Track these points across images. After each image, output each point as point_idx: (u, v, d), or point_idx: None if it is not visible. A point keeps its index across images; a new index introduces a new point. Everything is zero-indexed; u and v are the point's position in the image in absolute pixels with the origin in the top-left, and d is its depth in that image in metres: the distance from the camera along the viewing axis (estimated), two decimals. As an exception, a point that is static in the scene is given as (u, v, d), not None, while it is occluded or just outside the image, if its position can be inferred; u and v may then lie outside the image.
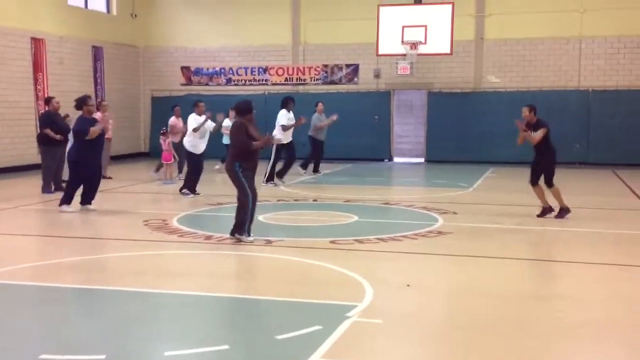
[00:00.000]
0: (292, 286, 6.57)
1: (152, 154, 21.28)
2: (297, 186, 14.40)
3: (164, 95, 22.62)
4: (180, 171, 15.02)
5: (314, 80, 21.87)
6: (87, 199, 10.95)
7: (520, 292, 6.38)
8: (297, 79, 22.04)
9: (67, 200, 10.82)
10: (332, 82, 21.68)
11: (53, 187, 12.93)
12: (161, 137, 15.10)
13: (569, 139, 18.94)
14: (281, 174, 14.74)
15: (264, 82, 22.21)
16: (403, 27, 18.55)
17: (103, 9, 21.88)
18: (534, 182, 10.37)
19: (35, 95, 18.37)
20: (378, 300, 5.90)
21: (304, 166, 16.61)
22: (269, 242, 8.45)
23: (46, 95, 14.98)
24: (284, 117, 14.56)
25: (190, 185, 12.56)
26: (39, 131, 13.02)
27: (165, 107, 21.96)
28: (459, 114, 20.57)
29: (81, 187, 10.93)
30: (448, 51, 18.67)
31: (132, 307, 5.94)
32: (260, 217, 10.31)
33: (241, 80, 22.45)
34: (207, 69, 22.65)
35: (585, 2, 19.58)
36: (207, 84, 22.63)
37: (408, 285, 6.43)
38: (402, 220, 10.43)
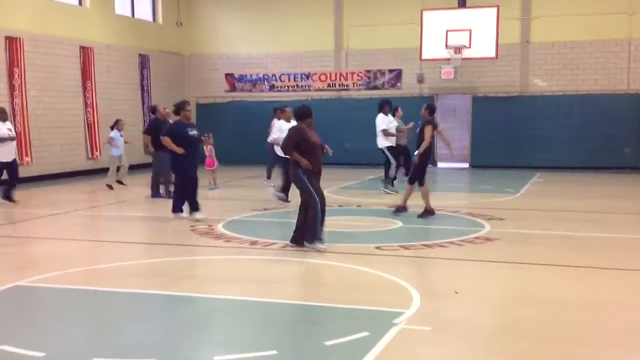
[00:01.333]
0: (339, 292, 6.55)
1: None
2: (341, 192, 14.38)
3: (209, 102, 22.91)
4: (269, 176, 14.99)
5: (357, 86, 21.85)
6: (191, 207, 10.79)
7: (568, 299, 6.24)
8: (339, 84, 22.07)
9: (176, 209, 10.71)
10: (375, 88, 21.63)
11: (163, 192, 13.21)
12: (203, 143, 15.05)
13: (618, 143, 18.51)
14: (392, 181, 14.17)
15: (306, 88, 22.29)
16: (447, 31, 18.40)
17: (149, 17, 22.28)
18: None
19: (84, 102, 18.79)
20: (425, 307, 5.84)
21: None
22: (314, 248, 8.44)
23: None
24: (383, 121, 14.01)
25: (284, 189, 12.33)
26: (145, 138, 13.40)
27: (209, 114, 22.30)
28: (505, 118, 20.31)
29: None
30: (493, 55, 18.46)
31: (181, 311, 6.00)
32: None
33: (284, 86, 22.58)
34: (251, 75, 22.85)
35: (635, 4, 19.14)
36: (250, 91, 22.82)
37: (456, 292, 6.35)
38: (448, 226, 10.32)
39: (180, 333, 5.36)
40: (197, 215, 10.67)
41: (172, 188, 12.07)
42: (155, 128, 12.85)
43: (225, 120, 22.22)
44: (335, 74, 22.05)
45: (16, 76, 16.43)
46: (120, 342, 5.13)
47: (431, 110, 11.03)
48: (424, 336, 5.18)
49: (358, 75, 21.82)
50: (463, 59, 18.60)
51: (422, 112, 11.10)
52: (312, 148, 8.39)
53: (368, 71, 21.72)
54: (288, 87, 22.52)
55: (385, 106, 14.17)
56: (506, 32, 19.01)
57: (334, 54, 22.02)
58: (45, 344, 4.96)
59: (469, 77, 20.32)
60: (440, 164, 21.43)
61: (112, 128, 15.51)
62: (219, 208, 12.30)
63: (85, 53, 18.71)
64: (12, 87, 16.40)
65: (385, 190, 13.98)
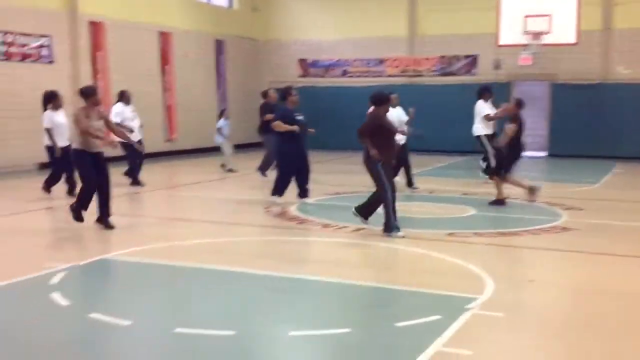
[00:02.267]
0: (411, 276, 6.59)
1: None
2: (413, 178, 14.29)
3: (282, 87, 23.13)
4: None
5: (430, 72, 21.63)
6: (301, 192, 10.86)
7: (651, 292, 6.08)
8: (413, 70, 21.89)
9: (277, 192, 10.72)
10: (449, 74, 21.36)
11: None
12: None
13: None
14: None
15: (379, 73, 22.22)
16: (526, 16, 17.97)
17: (225, 3, 22.66)
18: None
19: (163, 86, 19.34)
20: (499, 294, 5.81)
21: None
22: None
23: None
24: (485, 107, 13.35)
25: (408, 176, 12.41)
26: (260, 121, 13.74)
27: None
28: (585, 106, 19.69)
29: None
30: (573, 41, 17.92)
31: (257, 288, 6.18)
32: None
33: (357, 72, 22.57)
34: (324, 61, 22.94)
35: None
36: (322, 76, 22.92)
37: (530, 281, 6.29)
38: (524, 215, 10.15)
39: (256, 308, 5.53)
40: (308, 201, 10.73)
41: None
42: (267, 112, 13.17)
43: (298, 105, 22.39)
44: (409, 60, 21.89)
45: (99, 60, 17.06)
46: (199, 314, 5.34)
47: (520, 105, 10.77)
48: (496, 322, 5.17)
49: (432, 61, 21.59)
50: (542, 44, 18.14)
51: (509, 106, 11.02)
52: (388, 136, 8.36)
53: (442, 57, 21.46)
54: (361, 73, 22.50)
55: (485, 93, 13.55)
56: (587, 18, 18.40)
57: (408, 39, 21.84)
58: (130, 313, 5.22)
59: (547, 64, 19.77)
60: (515, 153, 20.97)
61: (219, 117, 15.73)
62: (293, 191, 12.47)
63: (164, 38, 19.23)
64: (95, 71, 17.04)
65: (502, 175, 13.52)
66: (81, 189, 8.66)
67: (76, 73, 16.51)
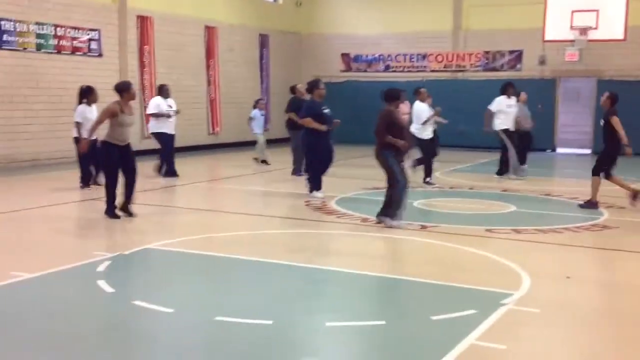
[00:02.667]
0: (447, 270, 6.64)
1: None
2: (453, 174, 14.31)
3: (325, 81, 23.14)
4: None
5: (474, 67, 21.47)
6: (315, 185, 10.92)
7: (692, 293, 6.02)
8: (456, 65, 21.76)
9: (314, 188, 10.86)
10: (493, 69, 21.17)
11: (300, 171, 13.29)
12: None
13: None
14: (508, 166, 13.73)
15: (422, 68, 22.14)
16: (572, 11, 17.71)
17: (270, -2, 22.88)
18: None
19: (207, 80, 19.64)
20: (535, 290, 5.83)
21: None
22: (424, 227, 8.55)
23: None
24: (497, 103, 13.51)
25: (427, 170, 12.53)
26: (287, 116, 13.69)
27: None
28: (632, 103, 19.23)
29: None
30: (621, 37, 17.59)
31: (295, 279, 6.32)
32: (414, 202, 10.45)
33: (399, 66, 22.54)
34: (367, 55, 22.96)
35: None
36: (365, 71, 22.95)
37: (568, 277, 6.28)
38: (564, 212, 10.07)
39: (294, 299, 5.67)
40: (317, 194, 10.86)
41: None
42: (295, 107, 13.16)
43: (340, 100, 22.46)
44: (452, 55, 21.76)
45: (146, 53, 17.44)
46: (238, 304, 5.49)
47: (614, 99, 10.36)
48: (531, 318, 5.19)
49: (476, 56, 21.43)
50: (588, 40, 17.85)
51: (603, 100, 10.49)
52: (401, 131, 8.55)
53: (487, 52, 21.28)
54: (403, 68, 22.46)
55: (509, 88, 13.66)
56: (636, 13, 18.00)
57: (452, 34, 21.71)
58: (172, 301, 5.41)
59: (594, 60, 19.44)
60: (560, 149, 20.73)
61: (253, 107, 15.87)
62: (332, 185, 12.59)
63: (210, 32, 19.53)
64: (142, 64, 17.42)
65: (510, 176, 13.53)
66: (105, 185, 8.96)
67: (123, 66, 16.90)
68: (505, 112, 13.48)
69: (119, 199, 8.99)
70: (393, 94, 8.68)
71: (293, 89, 14.14)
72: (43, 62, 14.90)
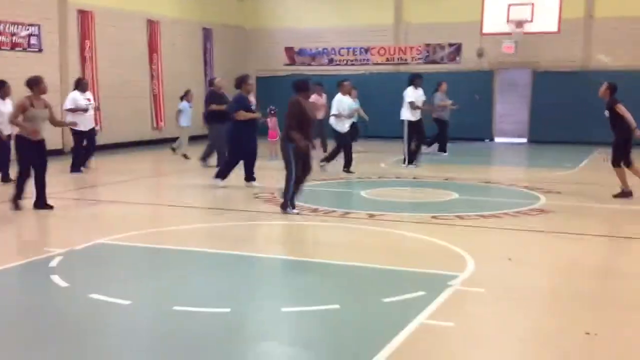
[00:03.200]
0: (395, 256, 6.90)
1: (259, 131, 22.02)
2: (397, 164, 14.64)
3: (269, 75, 23.31)
4: (324, 149, 15.40)
5: (415, 60, 21.92)
6: (248, 176, 11.30)
7: (623, 269, 6.44)
8: (398, 58, 22.16)
9: (221, 175, 11.20)
10: (434, 62, 21.66)
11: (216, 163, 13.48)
12: (269, 116, 15.31)
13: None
14: (414, 155, 14.28)
15: (365, 62, 22.47)
16: (509, 5, 18.28)
17: (212, -9, 22.78)
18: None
19: (150, 74, 19.48)
20: (480, 272, 6.14)
21: (429, 144, 16.50)
22: (371, 215, 8.80)
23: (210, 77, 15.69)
24: (412, 94, 14.09)
25: (346, 160, 13.01)
26: (204, 109, 13.83)
27: (269, 87, 22.71)
28: (566, 93, 20.06)
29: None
30: (555, 29, 18.27)
31: (248, 269, 6.47)
32: (362, 192, 10.73)
33: (343, 60, 22.81)
34: (310, 49, 23.14)
35: None
36: (309, 64, 23.13)
37: (509, 259, 6.62)
38: (503, 198, 10.51)
39: (248, 288, 5.83)
40: (254, 184, 11.18)
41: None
42: (213, 100, 13.43)
43: (285, 93, 22.54)
44: (394, 48, 22.15)
45: (87, 48, 17.18)
46: (195, 294, 5.62)
47: (613, 89, 10.27)
48: (478, 297, 5.49)
49: (417, 49, 21.87)
50: (524, 33, 18.47)
51: (602, 91, 10.35)
52: (308, 123, 8.87)
53: (427, 45, 21.74)
54: (347, 61, 22.73)
55: (416, 80, 14.40)
56: (569, 7, 18.71)
57: (394, 28, 22.09)
58: (129, 294, 5.48)
59: (529, 52, 20.12)
60: (498, 139, 21.39)
61: (181, 99, 15.98)
62: (280, 177, 12.73)
63: (152, 26, 19.35)
64: (83, 59, 17.15)
65: (415, 164, 14.15)
66: (16, 178, 9.18)
67: (64, 62, 16.62)
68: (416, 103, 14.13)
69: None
70: (302, 85, 9.02)
71: (211, 83, 14.44)
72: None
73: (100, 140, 17.05)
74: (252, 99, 14.31)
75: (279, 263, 6.69)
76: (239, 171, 11.33)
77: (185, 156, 15.46)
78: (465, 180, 12.19)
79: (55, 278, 5.89)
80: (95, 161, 13.80)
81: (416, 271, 6.21)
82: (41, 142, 9.13)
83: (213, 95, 13.62)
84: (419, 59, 21.86)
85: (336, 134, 13.15)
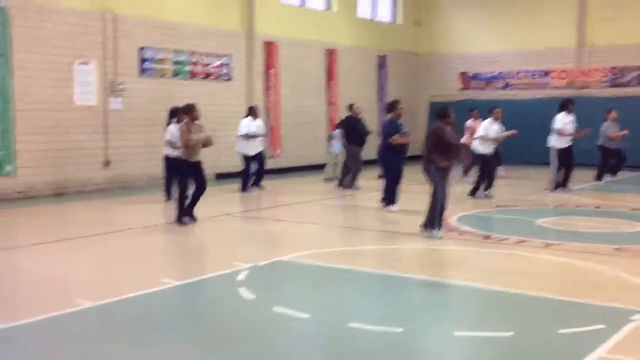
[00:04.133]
0: (573, 287, 6.69)
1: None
2: (579, 193, 14.01)
3: (442, 100, 23.29)
4: (466, 173, 15.55)
5: (600, 84, 20.85)
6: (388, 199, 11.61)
7: None
8: (580, 82, 21.20)
9: (391, 201, 11.54)
10: (620, 85, 20.46)
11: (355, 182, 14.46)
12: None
13: None
14: (562, 183, 14.00)
15: (543, 86, 21.75)
16: None
17: (388, 19, 23.30)
18: None
19: (327, 100, 20.29)
20: (666, 309, 5.78)
21: (599, 177, 15.92)
22: (548, 244, 8.55)
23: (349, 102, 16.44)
24: (560, 120, 13.80)
25: (485, 186, 13.02)
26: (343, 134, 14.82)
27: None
28: None
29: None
30: None
31: (419, 291, 6.62)
32: (538, 220, 10.44)
33: (520, 84, 22.24)
34: (485, 73, 22.84)
35: None
36: (483, 89, 22.82)
37: (701, 297, 6.16)
38: (698, 232, 9.71)
39: (422, 309, 5.96)
40: (393, 207, 11.43)
41: (359, 181, 14.18)
42: (347, 124, 14.47)
43: (457, 118, 22.44)
44: (576, 72, 21.23)
45: (271, 76, 18.31)
46: (370, 312, 5.85)
47: None
48: (663, 335, 5.19)
49: (602, 72, 20.81)
50: None
51: None
52: (449, 147, 9.02)
53: (613, 68, 20.61)
54: (524, 85, 22.15)
55: (569, 105, 13.90)
56: None
57: (575, 50, 21.19)
58: (309, 308, 5.83)
59: None
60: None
61: (338, 125, 16.44)
62: (454, 203, 12.72)
63: (330, 54, 20.19)
64: (267, 87, 18.30)
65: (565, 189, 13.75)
66: (179, 195, 10.17)
67: (250, 89, 17.84)
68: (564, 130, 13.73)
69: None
70: (442, 112, 9.25)
71: (350, 108, 15.14)
72: (178, 87, 15.99)
73: (278, 163, 18.08)
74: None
75: (450, 288, 6.74)
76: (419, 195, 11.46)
77: (328, 180, 15.98)
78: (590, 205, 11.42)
79: (242, 290, 6.39)
80: (269, 183, 14.64)
81: (596, 304, 5.98)
82: (198, 163, 10.14)
83: (349, 120, 14.67)
84: (604, 82, 20.76)
85: (480, 157, 13.13)
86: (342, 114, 20.26)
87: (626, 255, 8.00)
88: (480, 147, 13.16)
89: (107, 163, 14.61)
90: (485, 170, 13.04)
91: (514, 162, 18.14)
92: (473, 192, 12.96)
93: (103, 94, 14.49)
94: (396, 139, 11.34)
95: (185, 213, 10.09)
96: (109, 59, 14.58)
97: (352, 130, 14.63)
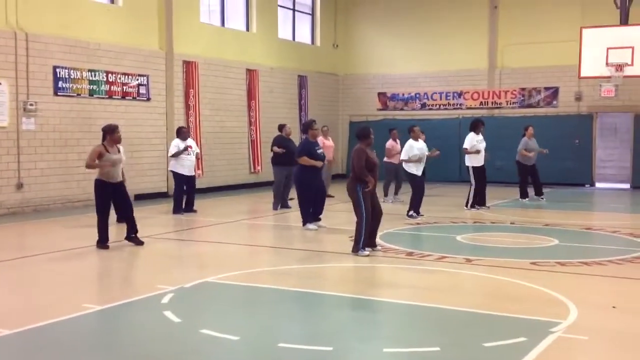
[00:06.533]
0: (495, 301, 6.89)
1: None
2: (494, 209, 14.51)
3: (361, 120, 23.67)
4: (396, 192, 15.81)
5: (510, 104, 21.76)
6: (315, 215, 11.77)
7: None
8: (492, 102, 22.07)
9: (307, 219, 11.61)
10: (529, 106, 21.43)
11: (279, 205, 14.46)
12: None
13: None
14: (476, 200, 14.44)
15: (458, 106, 22.50)
16: (608, 48, 17.91)
17: (308, 40, 23.56)
18: None
19: (249, 121, 20.25)
20: (583, 319, 6.04)
21: (523, 195, 16.40)
22: (468, 260, 8.80)
23: (280, 123, 16.37)
24: (469, 140, 14.35)
25: (415, 206, 13.10)
26: (271, 152, 14.78)
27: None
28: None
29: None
30: (657, 72, 17.69)
31: (346, 309, 6.65)
32: (457, 237, 10.73)
33: (435, 104, 22.93)
34: (403, 94, 23.42)
35: None
36: (402, 109, 23.38)
37: (614, 307, 6.48)
38: (606, 245, 10.23)
39: (351, 328, 5.98)
40: (320, 223, 11.64)
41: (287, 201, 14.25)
42: (278, 144, 14.44)
43: (376, 137, 22.86)
44: (488, 92, 22.09)
45: (191, 97, 18.11)
46: (299, 332, 5.84)
47: None
48: (580, 345, 5.42)
49: (512, 93, 21.73)
50: (624, 76, 18.01)
51: None
52: (372, 167, 9.21)
53: (523, 89, 21.57)
54: (439, 106, 22.83)
55: (478, 125, 14.58)
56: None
57: (488, 72, 22.07)
58: (237, 330, 5.76)
59: (630, 95, 19.62)
60: (599, 184, 20.76)
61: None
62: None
63: (251, 75, 20.19)
64: (187, 107, 18.09)
65: (476, 208, 14.32)
66: (97, 220, 9.87)
67: (170, 109, 17.57)
68: (471, 149, 14.35)
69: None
70: (364, 133, 9.37)
71: (280, 128, 15.19)
72: (95, 107, 15.58)
73: (200, 184, 17.84)
74: (328, 142, 15.51)
75: (378, 305, 6.82)
76: (345, 214, 11.56)
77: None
78: (565, 226, 11.95)
79: (168, 314, 6.25)
80: (196, 203, 14.40)
81: (516, 317, 6.19)
82: (119, 184, 9.94)
83: (279, 140, 14.62)
84: (514, 103, 21.68)
85: (411, 177, 13.17)
86: (265, 134, 20.36)
87: (542, 269, 8.32)
88: (411, 169, 13.12)
89: (19, 185, 14.03)
90: (417, 190, 13.10)
91: (432, 180, 18.59)
92: (408, 212, 13.03)
93: (15, 114, 13.95)
94: (305, 160, 11.47)
95: (106, 238, 9.84)
96: (22, 78, 14.07)
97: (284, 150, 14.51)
